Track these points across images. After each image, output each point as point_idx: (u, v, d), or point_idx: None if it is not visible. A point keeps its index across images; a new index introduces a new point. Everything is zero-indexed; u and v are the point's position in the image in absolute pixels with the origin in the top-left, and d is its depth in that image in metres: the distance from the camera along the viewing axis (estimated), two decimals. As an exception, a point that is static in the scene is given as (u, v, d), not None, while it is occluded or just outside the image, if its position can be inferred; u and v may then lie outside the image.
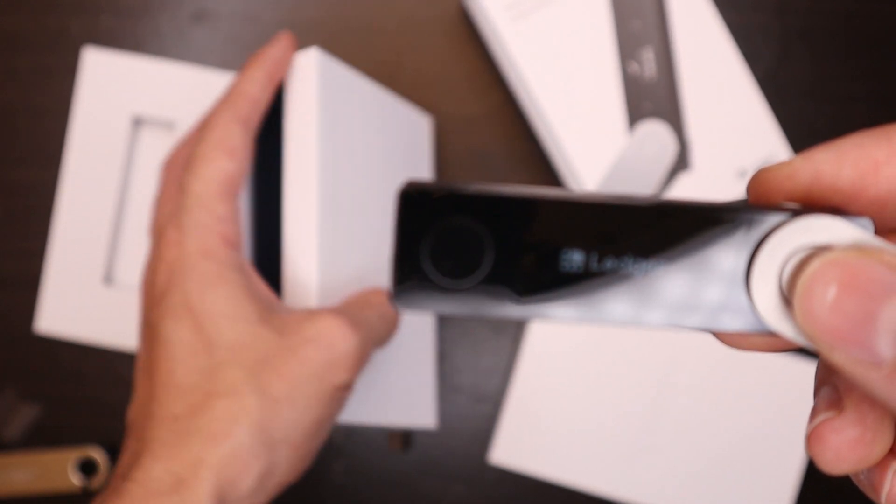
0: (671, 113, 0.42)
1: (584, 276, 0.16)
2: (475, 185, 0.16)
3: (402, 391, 0.41)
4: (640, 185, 0.42)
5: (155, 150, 0.47)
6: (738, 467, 0.47)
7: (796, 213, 0.16)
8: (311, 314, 0.30)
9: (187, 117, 0.46)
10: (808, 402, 0.46)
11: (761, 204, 0.17)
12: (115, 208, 0.46)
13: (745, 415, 0.47)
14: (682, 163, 0.42)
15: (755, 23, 0.48)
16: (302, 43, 0.48)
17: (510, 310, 0.16)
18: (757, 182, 0.17)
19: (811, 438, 0.17)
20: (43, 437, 0.47)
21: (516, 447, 0.47)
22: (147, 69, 0.46)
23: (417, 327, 0.42)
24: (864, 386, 0.14)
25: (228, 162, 0.32)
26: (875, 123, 0.49)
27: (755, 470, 0.47)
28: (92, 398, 0.47)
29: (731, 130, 0.42)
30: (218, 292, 0.29)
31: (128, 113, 0.46)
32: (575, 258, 0.16)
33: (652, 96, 0.42)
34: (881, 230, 0.17)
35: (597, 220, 0.16)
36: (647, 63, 0.42)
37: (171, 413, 0.28)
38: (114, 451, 0.47)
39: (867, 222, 0.16)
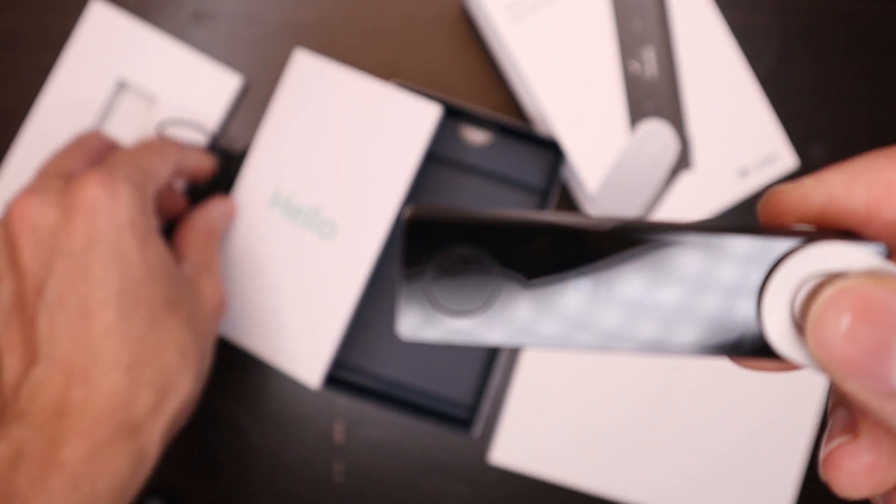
0: (672, 112, 0.42)
1: (593, 301, 0.16)
2: (480, 212, 0.16)
3: (299, 339, 0.43)
4: (641, 184, 0.42)
5: (131, 118, 0.47)
6: (738, 468, 0.47)
7: (809, 238, 0.16)
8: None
9: (171, 96, 0.46)
10: (809, 402, 0.46)
11: (773, 228, 0.16)
12: None
13: (745, 415, 0.47)
14: (683, 162, 0.42)
15: (755, 22, 0.48)
16: (302, 43, 0.48)
17: (516, 338, 0.16)
18: (769, 203, 0.17)
19: (826, 463, 0.16)
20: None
21: (516, 447, 0.46)
22: (147, 39, 0.47)
23: (338, 292, 0.43)
24: (878, 415, 0.14)
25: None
26: (875, 123, 0.49)
27: (755, 470, 0.47)
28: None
29: (732, 129, 0.42)
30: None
31: (115, 74, 0.46)
32: (583, 285, 0.16)
33: (653, 95, 0.42)
34: None
35: (605, 246, 0.15)
36: (648, 62, 0.42)
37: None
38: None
39: (882, 248, 0.15)
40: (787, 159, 0.42)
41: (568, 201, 0.47)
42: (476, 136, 0.46)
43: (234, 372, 0.47)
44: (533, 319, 0.16)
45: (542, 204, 0.45)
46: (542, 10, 0.42)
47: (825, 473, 0.17)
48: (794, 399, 0.46)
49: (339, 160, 0.43)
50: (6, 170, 0.46)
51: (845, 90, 0.48)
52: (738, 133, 0.42)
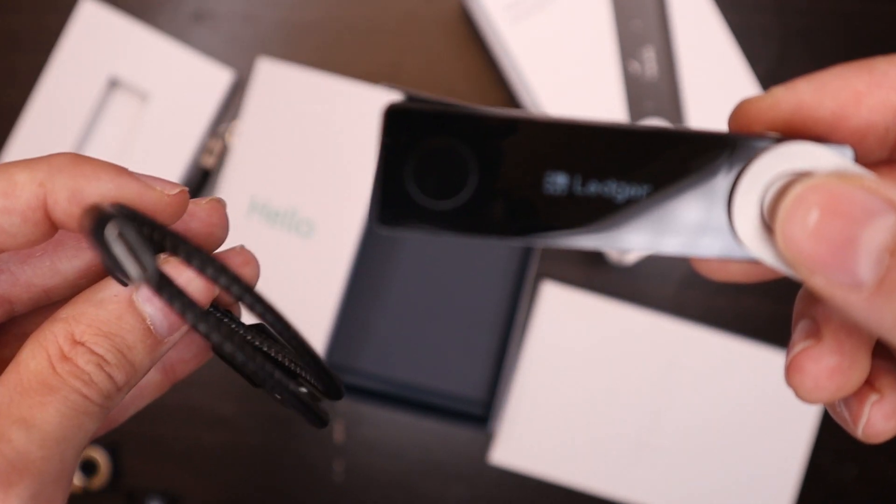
0: (672, 112, 0.42)
1: (567, 199, 0.16)
2: (460, 106, 0.16)
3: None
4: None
5: (123, 115, 0.48)
6: (738, 468, 0.47)
7: (778, 141, 0.16)
8: None
9: (162, 93, 0.46)
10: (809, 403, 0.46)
11: (743, 133, 0.16)
12: None
13: (745, 415, 0.47)
14: (682, 162, 0.42)
15: (755, 23, 0.48)
16: (302, 43, 0.48)
17: (492, 232, 0.16)
18: (739, 112, 0.17)
19: (790, 368, 0.17)
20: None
21: (516, 447, 0.46)
22: (139, 36, 0.47)
23: (323, 287, 0.43)
24: (844, 310, 0.14)
25: None
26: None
27: (755, 470, 0.47)
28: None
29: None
30: None
31: (106, 72, 0.46)
32: (559, 181, 0.16)
33: (653, 95, 0.42)
34: (862, 161, 0.17)
35: (582, 144, 0.16)
36: (648, 62, 0.42)
37: None
38: (115, 452, 0.47)
39: (848, 150, 0.16)
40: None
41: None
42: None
43: (232, 373, 0.47)
44: (508, 214, 0.16)
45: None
46: (542, 10, 0.42)
47: (789, 378, 0.17)
48: (794, 399, 0.46)
49: (311, 159, 0.44)
50: None
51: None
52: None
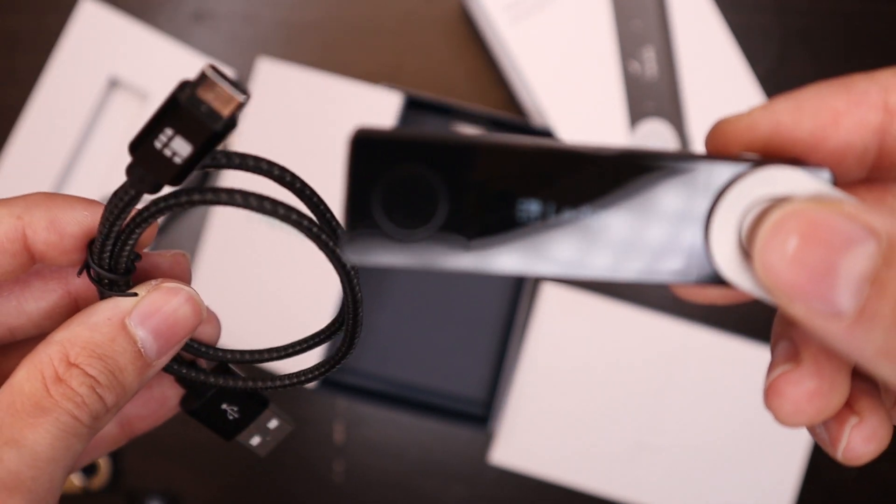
0: (672, 112, 0.42)
1: (540, 226, 0.15)
2: (429, 132, 0.15)
3: (291, 339, 0.43)
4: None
5: (122, 115, 0.48)
6: (738, 467, 0.47)
7: (756, 164, 0.15)
8: None
9: (162, 94, 0.46)
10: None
11: (720, 155, 0.16)
12: (67, 160, 0.46)
13: (744, 415, 0.47)
14: (682, 162, 0.42)
15: (755, 23, 0.48)
16: (302, 43, 0.48)
17: (463, 261, 0.15)
18: (716, 133, 0.17)
19: (769, 392, 0.16)
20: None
21: (516, 447, 0.46)
22: (138, 36, 0.47)
23: (324, 288, 0.43)
24: (824, 338, 0.14)
25: None
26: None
27: (755, 470, 0.47)
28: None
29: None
30: None
31: (106, 72, 0.46)
32: (532, 208, 0.15)
33: (653, 95, 0.42)
34: (841, 182, 0.17)
35: (554, 169, 0.15)
36: (648, 62, 0.42)
37: None
38: (115, 452, 0.47)
39: (827, 174, 0.15)
40: (787, 159, 0.42)
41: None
42: (469, 133, 0.46)
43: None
44: (482, 242, 0.15)
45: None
46: (542, 10, 0.42)
47: (768, 402, 0.17)
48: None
49: (311, 159, 0.44)
50: (2, 168, 0.46)
51: (845, 90, 0.48)
52: (738, 133, 0.42)
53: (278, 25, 0.48)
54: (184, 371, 0.21)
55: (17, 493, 0.16)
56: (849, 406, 0.17)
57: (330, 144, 0.44)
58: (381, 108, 0.43)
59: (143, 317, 0.18)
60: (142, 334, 0.18)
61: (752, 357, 0.47)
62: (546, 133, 0.43)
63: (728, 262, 0.15)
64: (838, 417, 0.17)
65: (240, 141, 0.45)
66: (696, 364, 0.47)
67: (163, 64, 0.47)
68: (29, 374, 0.17)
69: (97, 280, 0.18)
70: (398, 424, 0.48)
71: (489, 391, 0.46)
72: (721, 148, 0.17)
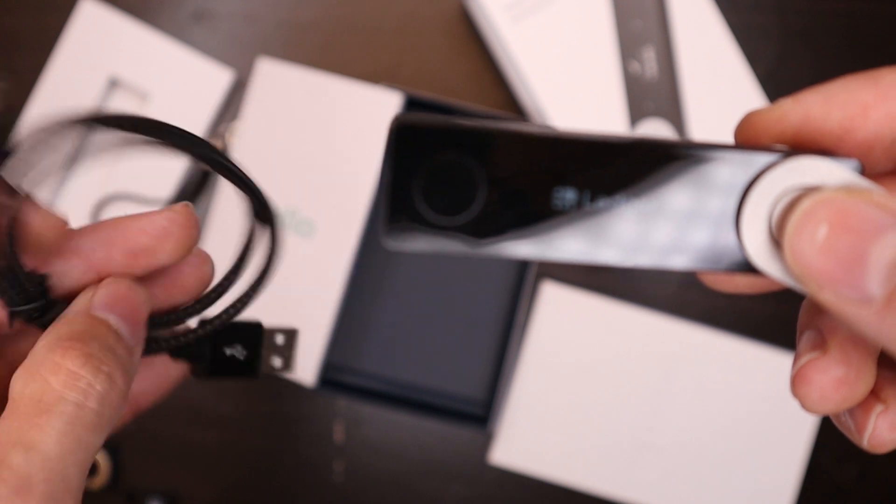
0: (672, 112, 0.42)
1: (576, 214, 0.16)
2: (468, 120, 0.15)
3: None
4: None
5: None
6: (738, 467, 0.47)
7: (787, 155, 0.16)
8: None
9: (162, 94, 0.46)
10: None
11: (751, 146, 0.16)
12: (66, 160, 0.46)
13: (745, 415, 0.47)
14: (682, 162, 0.42)
15: (755, 23, 0.48)
16: (302, 43, 0.48)
17: (501, 248, 0.16)
18: (746, 124, 0.17)
19: (796, 379, 0.17)
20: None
21: (516, 447, 0.46)
22: (139, 36, 0.47)
23: (324, 287, 0.43)
24: (853, 324, 0.14)
25: None
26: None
27: (755, 470, 0.47)
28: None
29: (732, 129, 0.42)
30: None
31: (107, 72, 0.46)
32: (568, 196, 0.16)
33: (653, 95, 0.42)
34: (869, 173, 0.17)
35: (590, 158, 0.15)
36: (648, 62, 0.42)
37: None
38: (115, 452, 0.47)
39: (856, 164, 0.16)
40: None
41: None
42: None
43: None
44: (516, 230, 0.16)
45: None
46: (542, 10, 0.42)
47: (795, 390, 0.17)
48: (795, 400, 0.46)
49: (311, 159, 0.44)
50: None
51: (845, 90, 0.48)
52: (738, 133, 0.42)
53: (278, 25, 0.48)
54: (171, 342, 0.21)
55: (31, 497, 0.16)
56: (875, 394, 0.17)
57: (330, 144, 0.44)
58: (380, 108, 0.43)
59: (104, 305, 0.18)
60: (112, 319, 0.18)
61: (753, 357, 0.47)
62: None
63: (758, 251, 0.16)
64: (864, 405, 0.17)
65: (240, 141, 0.45)
66: (697, 364, 0.47)
67: (163, 64, 0.47)
68: (26, 379, 0.17)
69: (14, 318, 0.18)
70: (398, 424, 0.48)
71: (489, 391, 0.46)
72: (751, 139, 0.17)
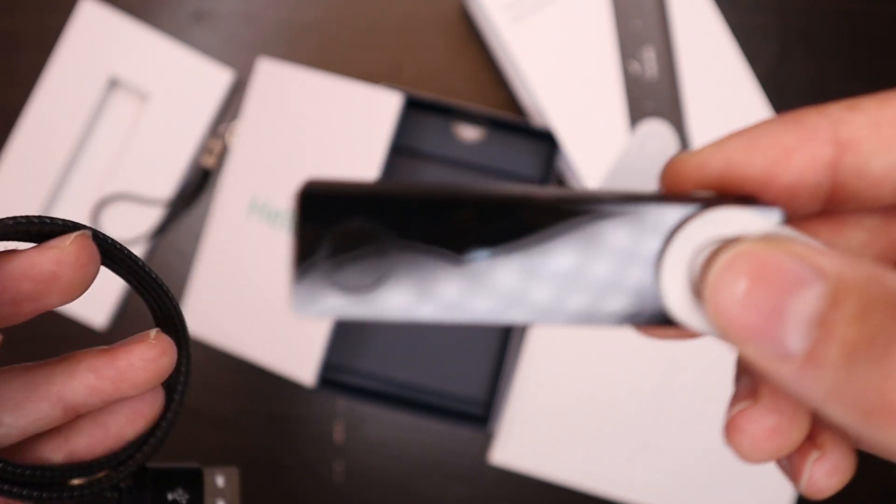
0: (672, 112, 0.42)
1: (489, 271, 0.15)
2: (377, 184, 0.15)
3: (290, 338, 0.43)
4: (641, 184, 0.42)
5: (122, 115, 0.48)
6: (738, 467, 0.47)
7: (707, 204, 0.15)
8: None
9: (162, 93, 0.46)
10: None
11: (672, 194, 0.16)
12: (66, 160, 0.46)
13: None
14: (682, 162, 0.42)
15: (755, 23, 0.48)
16: (302, 43, 0.48)
17: (412, 311, 0.15)
18: (669, 171, 0.17)
19: (728, 429, 0.16)
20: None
21: (516, 447, 0.46)
22: (139, 36, 0.47)
23: None
24: (776, 380, 0.14)
25: None
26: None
27: (756, 469, 0.47)
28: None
29: (732, 129, 0.42)
30: None
31: (106, 72, 0.47)
32: (480, 255, 0.15)
33: (653, 95, 0.42)
34: (796, 217, 0.17)
35: (503, 216, 0.15)
36: (648, 62, 0.42)
37: None
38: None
39: (778, 212, 0.15)
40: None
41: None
42: (469, 133, 0.46)
43: (233, 373, 0.47)
44: (426, 295, 0.15)
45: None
46: (542, 10, 0.42)
47: (728, 439, 0.17)
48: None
49: (311, 158, 0.44)
50: (2, 168, 0.46)
51: (845, 90, 0.48)
52: (738, 133, 0.42)
53: (278, 25, 0.48)
54: (87, 489, 0.19)
55: None
56: (811, 439, 0.17)
57: (330, 145, 0.44)
58: (380, 108, 0.43)
59: None
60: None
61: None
62: (546, 134, 0.43)
63: (680, 304, 0.15)
64: (800, 451, 0.17)
65: (239, 141, 0.45)
66: (698, 364, 0.47)
67: (163, 64, 0.47)
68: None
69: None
70: (398, 424, 0.48)
71: (489, 391, 0.46)
72: (675, 186, 0.17)
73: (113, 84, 0.47)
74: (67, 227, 0.17)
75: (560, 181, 0.47)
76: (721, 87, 0.42)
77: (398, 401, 0.45)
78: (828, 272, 0.13)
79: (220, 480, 0.23)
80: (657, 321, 0.16)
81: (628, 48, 0.42)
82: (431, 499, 0.47)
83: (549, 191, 0.15)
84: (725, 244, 0.15)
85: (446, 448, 0.48)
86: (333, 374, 0.46)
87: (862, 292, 0.13)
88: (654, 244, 0.15)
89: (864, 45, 0.48)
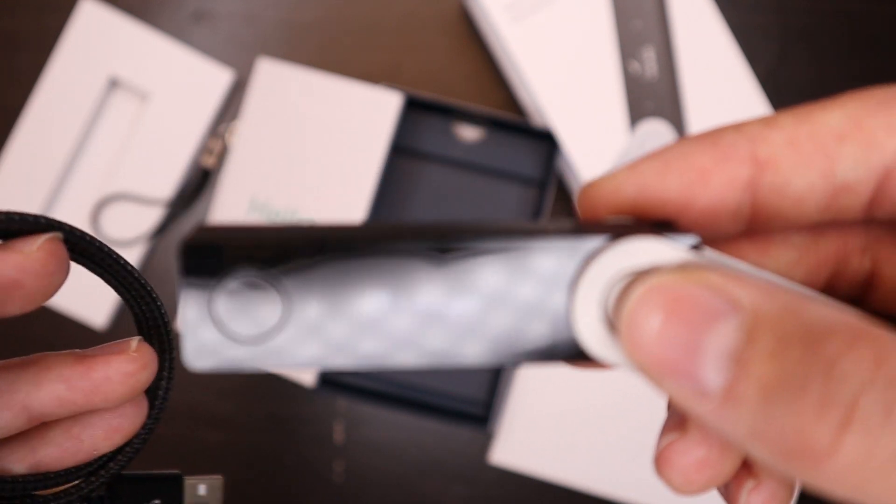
0: (672, 112, 0.42)
1: (392, 319, 0.14)
2: (263, 228, 0.14)
3: None
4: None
5: (122, 115, 0.48)
6: (738, 467, 0.47)
7: (617, 234, 0.14)
8: None
9: (162, 94, 0.47)
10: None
11: (587, 223, 0.15)
12: (66, 160, 0.46)
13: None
14: (682, 162, 0.42)
15: (755, 23, 0.48)
16: (302, 43, 0.48)
17: (309, 359, 0.14)
18: (583, 197, 0.16)
19: (659, 462, 0.16)
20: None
21: (516, 447, 0.46)
22: (139, 36, 0.47)
23: None
24: (696, 418, 0.13)
25: None
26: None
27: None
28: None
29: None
30: None
31: (106, 72, 0.47)
32: (375, 301, 0.14)
33: (653, 95, 0.42)
34: (720, 239, 0.16)
35: (399, 260, 0.14)
36: (648, 62, 0.42)
37: None
38: (113, 452, 0.47)
39: (692, 239, 0.14)
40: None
41: (566, 197, 0.47)
42: (470, 133, 0.46)
43: (232, 373, 0.47)
44: (323, 343, 0.14)
45: (540, 195, 0.45)
46: (542, 10, 0.42)
47: (659, 472, 0.16)
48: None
49: (311, 159, 0.44)
50: (2, 168, 0.46)
51: (845, 90, 0.48)
52: (738, 133, 0.42)
53: (278, 25, 0.48)
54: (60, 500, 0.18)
55: None
56: (746, 468, 0.16)
57: (330, 145, 0.44)
58: (380, 108, 0.43)
59: None
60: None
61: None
62: (546, 134, 0.43)
63: (595, 339, 0.14)
64: (735, 481, 0.16)
65: (239, 141, 0.45)
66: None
67: (163, 64, 0.47)
68: None
69: None
70: (398, 424, 0.48)
71: (489, 391, 0.46)
72: (590, 212, 0.16)
73: (113, 84, 0.47)
74: (38, 225, 0.16)
75: (560, 181, 0.47)
76: (721, 87, 0.42)
77: (398, 401, 0.45)
78: (743, 304, 0.12)
79: (201, 489, 0.22)
80: (573, 356, 0.15)
81: (628, 48, 0.42)
82: (431, 499, 0.47)
83: (466, 229, 0.14)
84: (639, 276, 0.14)
85: (446, 448, 0.48)
86: (333, 374, 0.46)
87: (777, 325, 0.12)
88: (565, 278, 0.14)
89: (864, 45, 0.48)
